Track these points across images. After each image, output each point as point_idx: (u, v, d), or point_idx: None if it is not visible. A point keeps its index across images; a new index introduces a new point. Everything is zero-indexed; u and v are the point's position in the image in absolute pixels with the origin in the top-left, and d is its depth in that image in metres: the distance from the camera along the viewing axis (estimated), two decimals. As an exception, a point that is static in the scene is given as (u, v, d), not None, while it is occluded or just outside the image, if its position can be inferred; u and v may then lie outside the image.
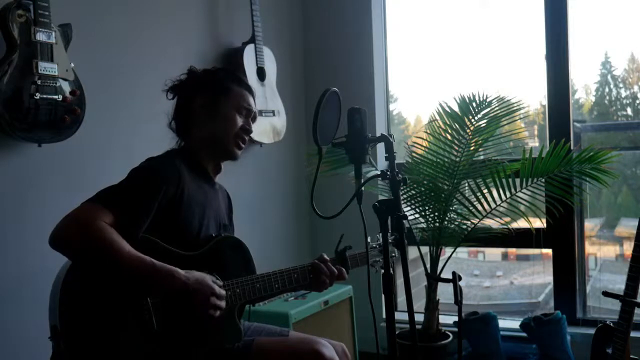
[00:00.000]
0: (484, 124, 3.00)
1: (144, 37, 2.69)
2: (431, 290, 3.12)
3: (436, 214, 3.09)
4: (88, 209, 1.62)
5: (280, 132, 3.30)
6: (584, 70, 3.52)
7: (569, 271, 3.33)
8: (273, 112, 3.24)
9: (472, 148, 3.02)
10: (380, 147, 3.00)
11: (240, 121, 1.94)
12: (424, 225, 3.14)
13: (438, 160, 3.08)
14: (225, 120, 1.92)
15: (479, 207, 3.05)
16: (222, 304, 1.71)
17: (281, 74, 3.35)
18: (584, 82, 3.68)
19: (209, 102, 1.93)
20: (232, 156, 1.96)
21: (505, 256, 4.70)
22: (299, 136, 3.63)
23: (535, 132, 3.73)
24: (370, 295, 1.62)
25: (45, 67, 2.07)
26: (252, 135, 2.05)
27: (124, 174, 1.75)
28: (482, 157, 3.09)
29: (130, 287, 1.62)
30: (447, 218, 3.08)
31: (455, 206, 3.11)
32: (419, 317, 3.15)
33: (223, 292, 1.72)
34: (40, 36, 2.06)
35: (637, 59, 3.49)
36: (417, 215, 3.15)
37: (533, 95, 3.67)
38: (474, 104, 2.97)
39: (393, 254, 2.06)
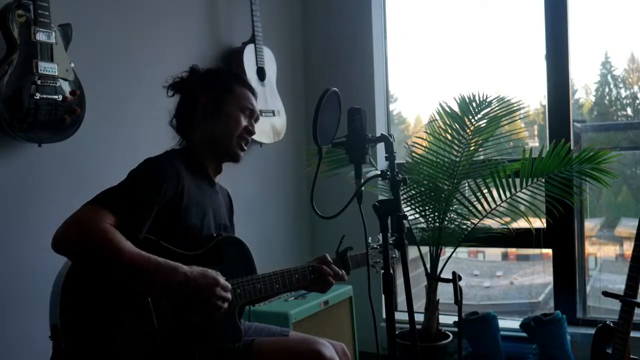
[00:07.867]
0: (484, 124, 3.00)
1: (144, 37, 2.69)
2: (431, 291, 3.12)
3: (436, 214, 3.09)
4: (89, 211, 1.62)
5: (280, 132, 3.30)
6: (584, 70, 3.52)
7: (569, 271, 3.33)
8: (273, 112, 3.24)
9: (472, 148, 3.02)
10: (380, 147, 2.99)
11: (244, 121, 1.94)
12: (424, 225, 3.14)
13: (438, 160, 3.08)
14: (229, 120, 1.92)
15: (479, 207, 3.05)
16: (228, 295, 1.71)
17: (281, 74, 3.35)
18: (584, 82, 3.68)
19: (212, 102, 1.92)
20: (234, 157, 1.96)
21: (505, 256, 4.70)
22: (299, 136, 3.63)
23: (535, 132, 3.72)
24: (370, 295, 1.62)
25: (45, 67, 2.07)
26: (252, 135, 2.05)
27: (124, 173, 1.74)
28: (482, 157, 3.08)
29: (132, 285, 1.61)
30: (447, 218, 3.08)
31: (455, 206, 3.10)
32: (419, 317, 3.15)
33: (228, 284, 1.72)
34: (40, 36, 2.06)
35: (637, 59, 3.49)
36: (417, 215, 3.15)
37: (533, 95, 3.68)
38: (474, 104, 2.97)
39: (394, 255, 2.06)
